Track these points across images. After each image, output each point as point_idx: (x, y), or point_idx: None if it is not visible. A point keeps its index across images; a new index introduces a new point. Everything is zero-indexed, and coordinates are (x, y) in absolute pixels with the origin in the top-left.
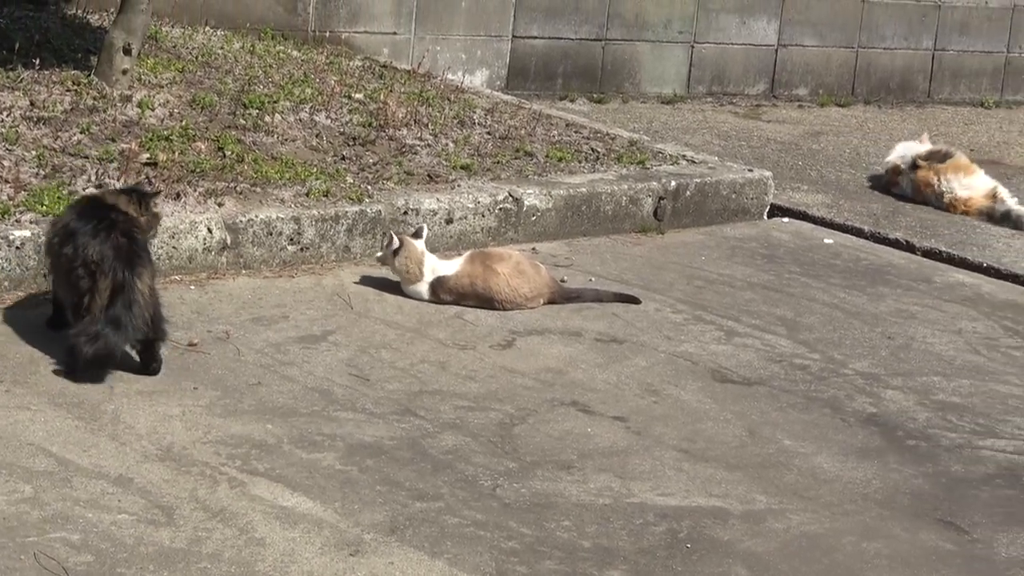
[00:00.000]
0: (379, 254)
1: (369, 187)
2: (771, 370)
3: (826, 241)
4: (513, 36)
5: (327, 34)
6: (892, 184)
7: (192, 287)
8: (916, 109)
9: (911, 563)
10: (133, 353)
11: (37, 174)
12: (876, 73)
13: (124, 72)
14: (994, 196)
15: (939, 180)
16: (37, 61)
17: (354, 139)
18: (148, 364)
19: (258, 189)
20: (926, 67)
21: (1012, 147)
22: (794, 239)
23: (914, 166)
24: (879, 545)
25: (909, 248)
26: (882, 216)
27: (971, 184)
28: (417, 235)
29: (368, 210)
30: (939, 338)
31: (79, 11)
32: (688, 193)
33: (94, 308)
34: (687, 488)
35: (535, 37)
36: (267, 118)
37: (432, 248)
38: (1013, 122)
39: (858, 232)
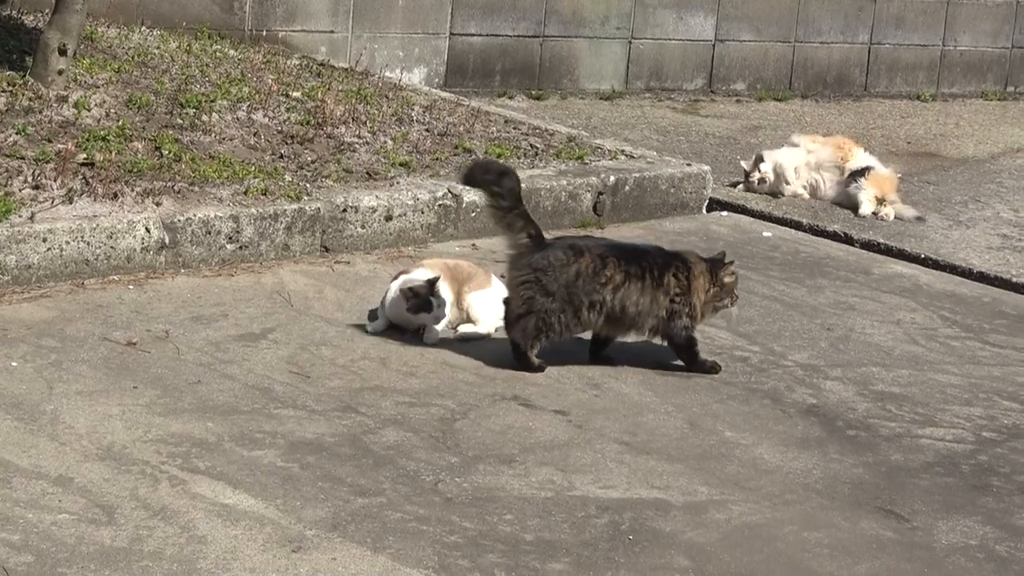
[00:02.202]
0: None
1: (308, 185)
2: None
3: (765, 234)
4: (451, 33)
5: (264, 33)
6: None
7: (131, 287)
8: (853, 103)
9: (852, 551)
10: None
11: None
12: (813, 67)
13: (60, 72)
14: None
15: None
16: None
17: (292, 137)
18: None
19: (196, 188)
20: (863, 61)
21: (948, 140)
22: (733, 232)
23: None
24: (820, 534)
25: (847, 240)
26: (820, 209)
27: None
28: None
29: (307, 208)
30: (878, 329)
31: (13, 11)
32: (627, 188)
33: None
34: (629, 480)
35: (473, 34)
36: (204, 117)
37: (371, 246)
38: (949, 115)
39: (797, 225)
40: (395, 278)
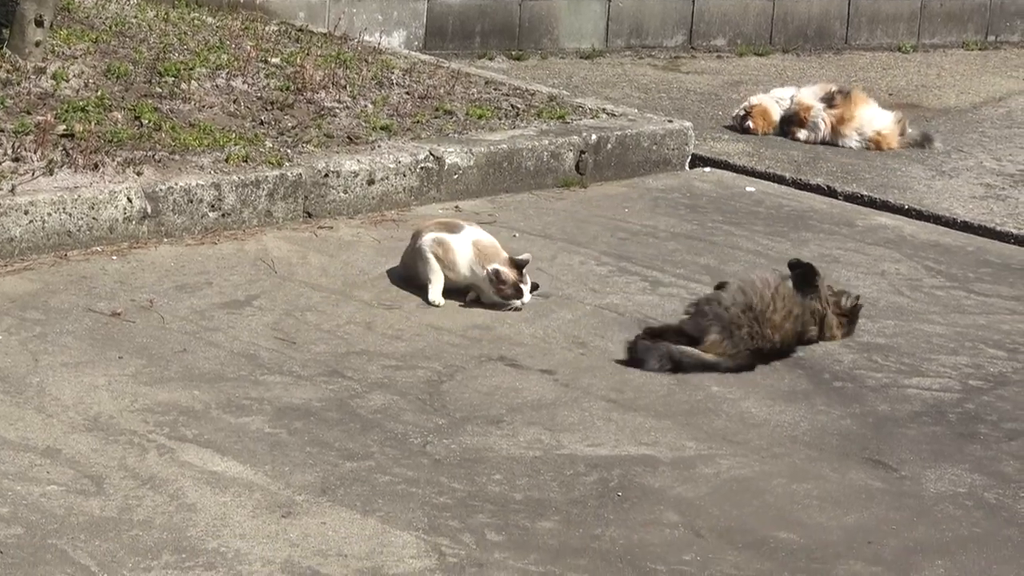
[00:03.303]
0: None
1: (288, 151)
2: None
3: (748, 189)
4: None
5: (242, 0)
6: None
7: (114, 257)
8: (834, 56)
9: (841, 502)
10: None
11: None
12: (793, 21)
13: (37, 44)
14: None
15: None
16: None
17: (272, 103)
18: None
19: (177, 157)
20: (843, 13)
21: (930, 90)
22: (716, 188)
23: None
24: (809, 486)
25: (831, 193)
26: (803, 162)
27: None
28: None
29: (288, 174)
30: (863, 280)
31: None
32: (609, 146)
33: None
34: (616, 438)
35: None
36: (183, 85)
37: (354, 210)
38: (931, 66)
39: (780, 179)
40: (419, 235)
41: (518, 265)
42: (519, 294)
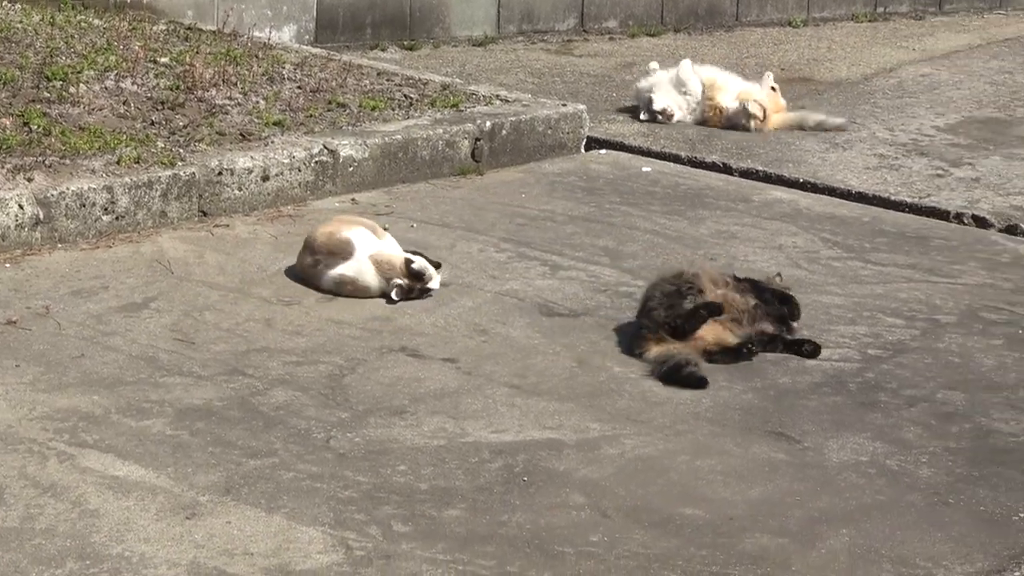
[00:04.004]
0: None
1: (181, 150)
2: (597, 300)
3: (644, 169)
4: None
5: (129, 0)
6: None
7: (7, 265)
8: (726, 33)
9: (745, 476)
10: None
11: None
12: (684, 1)
13: None
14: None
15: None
16: None
17: (162, 103)
18: None
19: (68, 161)
20: None
21: (821, 63)
22: (613, 170)
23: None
24: (713, 461)
25: (726, 170)
26: (698, 141)
27: None
28: None
29: (182, 174)
30: (761, 255)
31: None
32: (504, 132)
33: None
34: (520, 423)
35: None
36: (72, 89)
37: (250, 207)
38: (821, 39)
39: (675, 158)
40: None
41: (415, 275)
42: (426, 291)
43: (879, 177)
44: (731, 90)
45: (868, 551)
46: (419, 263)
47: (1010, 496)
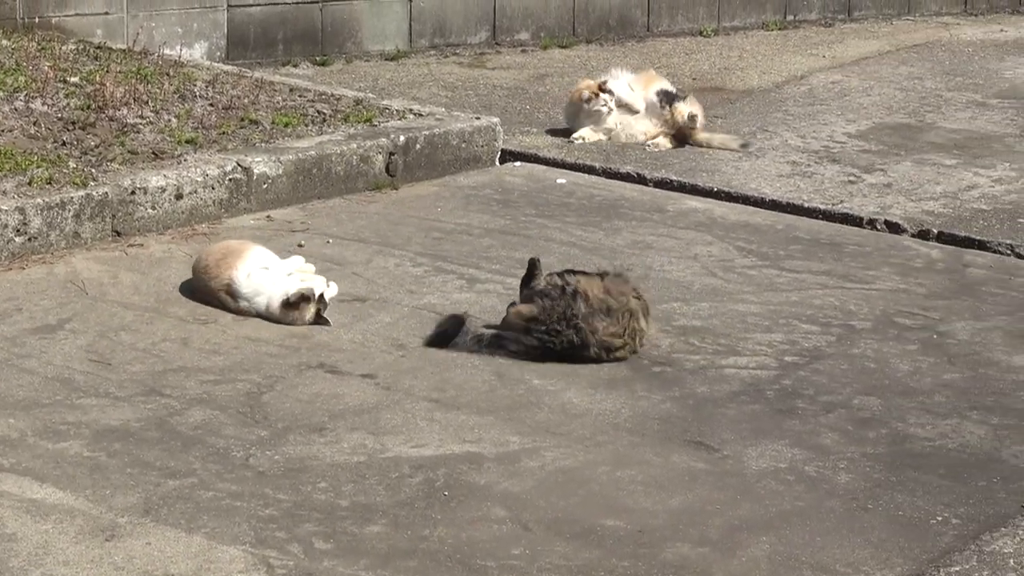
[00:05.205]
0: None
1: (93, 170)
2: None
3: (559, 181)
4: (229, 5)
5: (37, 20)
6: None
7: None
8: (637, 44)
9: (665, 486)
10: None
11: None
12: (595, 12)
13: None
14: None
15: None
16: None
17: (73, 123)
18: None
19: None
20: (643, 1)
21: (733, 72)
22: (527, 182)
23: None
24: (633, 472)
25: (641, 180)
26: (612, 152)
27: None
28: None
29: (94, 194)
30: (676, 265)
31: None
32: (418, 146)
33: None
34: (440, 437)
35: (251, 4)
36: None
37: (164, 226)
38: (732, 48)
39: (590, 169)
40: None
41: (304, 298)
42: (321, 319)
43: (792, 184)
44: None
45: (788, 558)
46: (305, 292)
47: (927, 500)
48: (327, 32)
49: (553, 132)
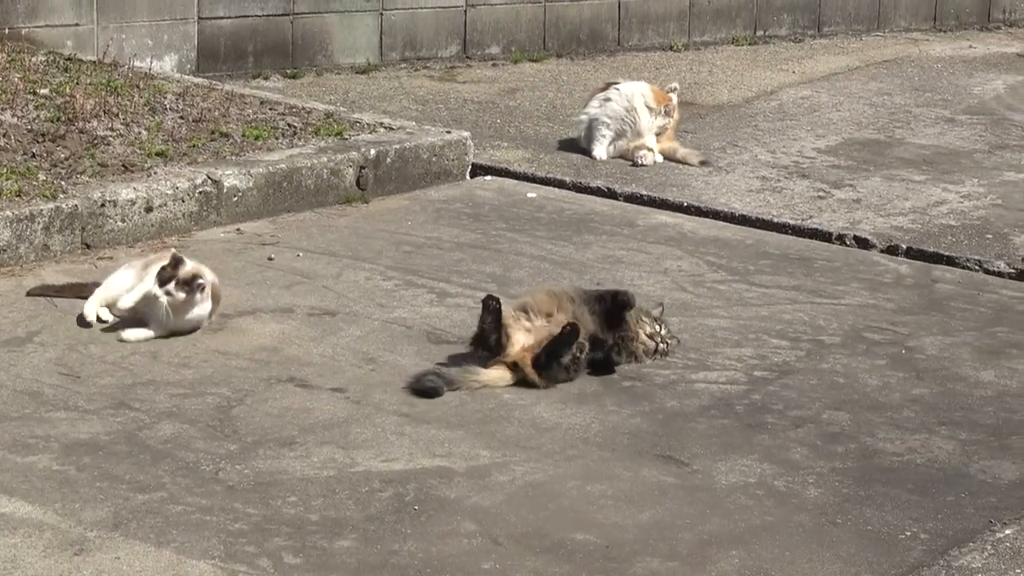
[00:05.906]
0: None
1: (63, 183)
2: None
3: (529, 195)
4: (199, 18)
5: (6, 31)
6: None
7: None
8: (608, 58)
9: (635, 500)
10: None
11: None
12: (566, 26)
13: None
14: None
15: None
16: None
17: (43, 135)
18: None
19: None
20: (614, 16)
21: (703, 87)
22: (498, 196)
23: None
24: (603, 486)
25: (611, 195)
26: (582, 166)
27: None
28: None
29: (64, 206)
30: (646, 279)
31: None
32: (389, 160)
33: None
34: (410, 451)
35: (222, 17)
36: None
37: (134, 239)
38: (703, 63)
39: (560, 184)
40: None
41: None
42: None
43: (762, 200)
44: None
45: (758, 572)
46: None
47: (896, 515)
48: (298, 45)
49: (521, 145)
